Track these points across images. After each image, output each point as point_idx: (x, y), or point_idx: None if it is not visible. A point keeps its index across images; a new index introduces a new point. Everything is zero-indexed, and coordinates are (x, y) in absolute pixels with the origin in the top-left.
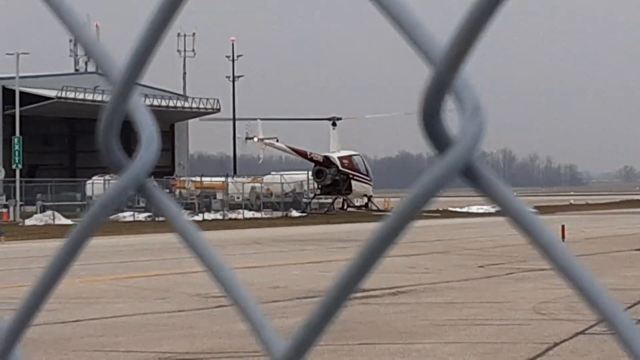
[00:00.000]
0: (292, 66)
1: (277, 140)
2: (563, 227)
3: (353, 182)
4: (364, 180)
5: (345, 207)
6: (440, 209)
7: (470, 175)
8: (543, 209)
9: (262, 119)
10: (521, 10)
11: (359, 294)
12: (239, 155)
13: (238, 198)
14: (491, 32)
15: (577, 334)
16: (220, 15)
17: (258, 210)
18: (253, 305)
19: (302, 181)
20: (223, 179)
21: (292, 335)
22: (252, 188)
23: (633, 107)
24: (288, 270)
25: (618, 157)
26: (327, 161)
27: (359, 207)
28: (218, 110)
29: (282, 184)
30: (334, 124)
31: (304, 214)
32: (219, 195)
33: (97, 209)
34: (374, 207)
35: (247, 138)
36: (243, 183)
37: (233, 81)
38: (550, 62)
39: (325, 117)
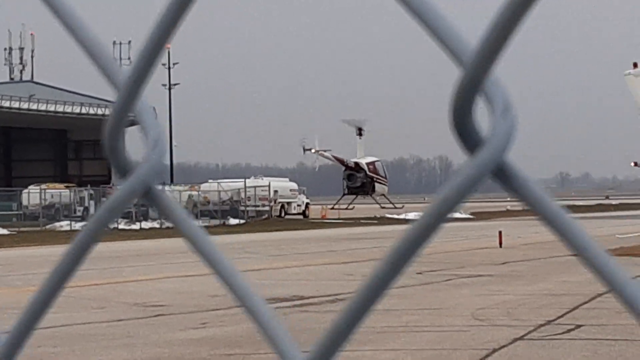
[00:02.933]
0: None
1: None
2: (500, 233)
3: (376, 184)
4: (383, 182)
5: (282, 214)
6: (378, 215)
7: (502, 176)
8: (480, 215)
9: None
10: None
11: (297, 302)
12: (176, 163)
13: None
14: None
15: (516, 339)
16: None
17: (195, 218)
18: (267, 313)
19: (239, 189)
20: (160, 187)
21: (313, 346)
22: (189, 196)
23: (568, 113)
24: None
25: (553, 163)
26: (357, 167)
27: (296, 215)
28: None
29: (220, 191)
30: (360, 134)
31: (241, 222)
32: None
33: (104, 213)
34: (311, 216)
35: (305, 150)
36: (180, 191)
37: (169, 89)
38: None
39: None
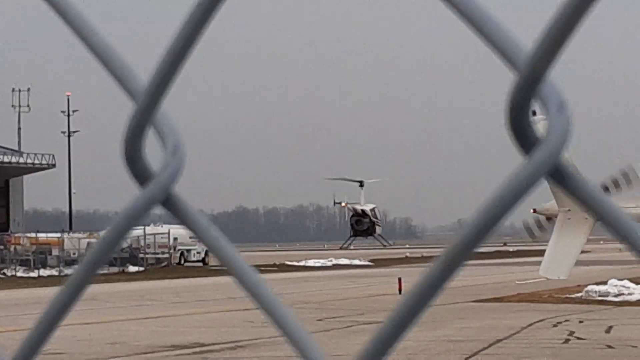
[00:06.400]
0: None
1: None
2: (400, 279)
3: (376, 226)
4: (380, 224)
5: (182, 262)
6: (277, 262)
7: (558, 176)
8: (379, 262)
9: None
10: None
11: (198, 349)
12: (75, 210)
13: (74, 254)
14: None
15: None
16: (55, 71)
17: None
18: (295, 323)
19: (138, 236)
20: (59, 234)
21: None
22: (88, 244)
23: (466, 157)
24: (126, 326)
25: (452, 211)
26: (364, 213)
27: (195, 262)
28: (53, 165)
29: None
30: (361, 185)
31: (141, 269)
32: (55, 251)
33: (122, 222)
34: (211, 263)
35: (335, 203)
36: (79, 239)
37: (69, 136)
38: (380, 111)
39: (355, 179)
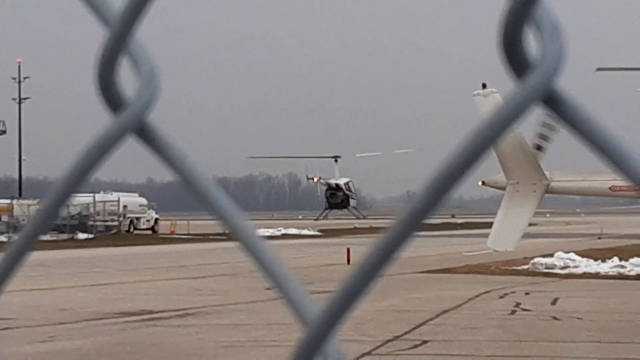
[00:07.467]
0: None
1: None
2: (349, 250)
3: (350, 199)
4: (354, 197)
5: (131, 230)
6: (227, 231)
7: (551, 103)
8: (328, 232)
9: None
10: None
11: (147, 316)
12: (25, 177)
13: (24, 220)
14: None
15: (363, 354)
16: (6, 37)
17: (43, 233)
18: (273, 257)
19: (88, 204)
20: (8, 201)
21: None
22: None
23: (415, 135)
24: (74, 293)
25: (400, 182)
26: (337, 187)
27: (145, 230)
28: (4, 132)
29: (69, 206)
30: (336, 160)
31: (90, 237)
32: (4, 218)
33: (94, 150)
34: (160, 231)
35: (308, 178)
36: (29, 205)
37: (19, 103)
38: (323, 84)
39: (330, 155)
